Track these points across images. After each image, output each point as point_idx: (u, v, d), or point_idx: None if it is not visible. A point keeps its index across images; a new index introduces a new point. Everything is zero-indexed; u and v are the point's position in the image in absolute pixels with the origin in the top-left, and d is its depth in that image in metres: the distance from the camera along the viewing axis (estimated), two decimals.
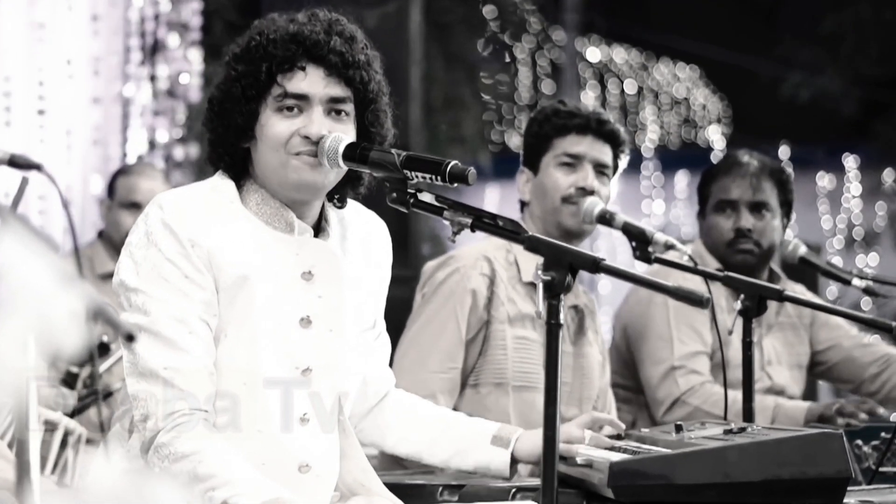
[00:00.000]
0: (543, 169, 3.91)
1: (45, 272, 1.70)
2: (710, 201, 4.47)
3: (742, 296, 3.36)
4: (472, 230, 2.63)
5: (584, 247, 3.73)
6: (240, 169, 2.81)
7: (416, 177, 2.63)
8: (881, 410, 4.24)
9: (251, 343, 2.71)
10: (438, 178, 2.58)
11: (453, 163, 2.58)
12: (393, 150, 2.67)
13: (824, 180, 12.34)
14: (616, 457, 2.82)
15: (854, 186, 12.33)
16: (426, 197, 2.67)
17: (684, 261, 3.69)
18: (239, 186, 2.80)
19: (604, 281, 11.18)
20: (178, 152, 6.78)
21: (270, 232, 2.77)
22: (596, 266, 2.48)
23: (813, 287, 5.45)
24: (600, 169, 3.89)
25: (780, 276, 4.52)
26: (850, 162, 12.35)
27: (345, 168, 2.73)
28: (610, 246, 11.38)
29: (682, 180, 12.76)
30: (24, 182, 2.74)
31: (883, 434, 3.88)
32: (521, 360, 3.78)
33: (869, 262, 11.97)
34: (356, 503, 2.80)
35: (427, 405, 3.15)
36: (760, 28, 12.89)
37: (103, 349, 4.04)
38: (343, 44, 2.75)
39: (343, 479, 2.83)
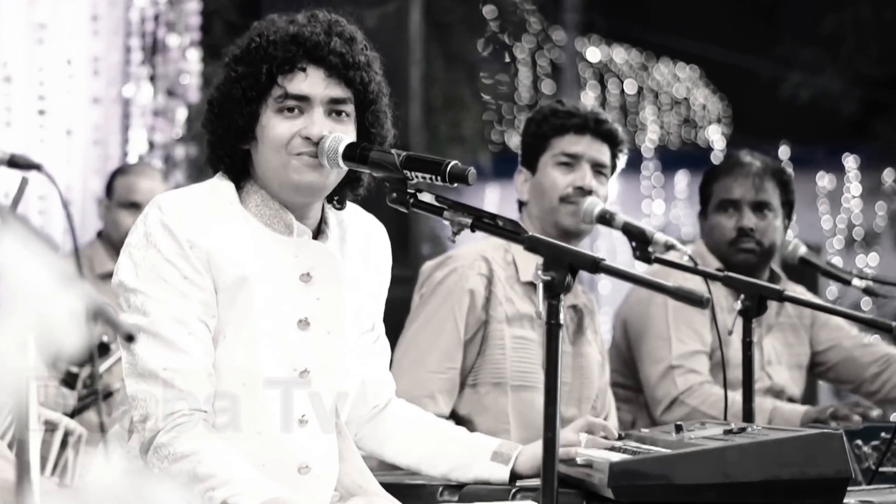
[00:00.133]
0: (541, 169, 3.92)
1: (45, 272, 1.70)
2: (712, 201, 4.48)
3: (742, 296, 3.36)
4: (472, 230, 2.63)
5: (584, 247, 3.73)
6: (240, 170, 2.81)
7: (416, 177, 2.63)
8: (874, 413, 4.24)
9: (250, 344, 2.71)
10: (438, 178, 2.58)
11: (453, 163, 2.58)
12: (393, 151, 2.67)
13: (824, 180, 12.34)
14: (616, 457, 2.82)
15: (854, 186, 12.33)
16: (426, 197, 2.67)
17: (684, 261, 3.69)
18: (239, 188, 2.80)
19: (604, 281, 11.18)
20: (178, 152, 6.78)
21: (269, 233, 2.77)
22: (596, 266, 2.48)
23: (813, 287, 5.45)
24: (598, 168, 3.89)
25: (780, 277, 4.52)
26: (850, 162, 12.35)
27: (345, 169, 2.73)
28: (610, 246, 11.38)
29: (682, 180, 12.76)
30: (24, 182, 2.74)
31: (883, 434, 3.88)
32: (519, 359, 3.78)
33: (869, 262, 11.97)
34: None
35: (427, 417, 3.15)
36: (760, 28, 12.89)
37: (103, 349, 4.04)
38: (343, 45, 2.76)
39: (341, 482, 2.83)
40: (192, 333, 2.66)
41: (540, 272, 2.48)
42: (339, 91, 2.76)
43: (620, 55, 13.39)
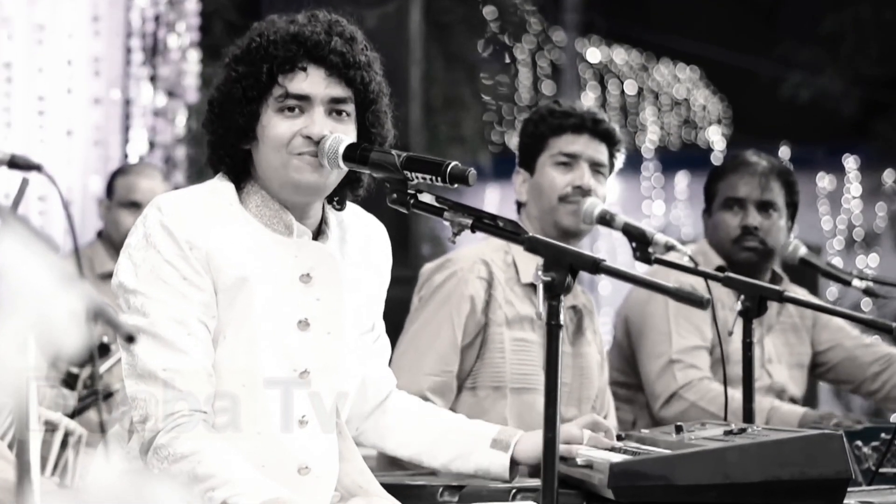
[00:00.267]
0: (539, 169, 3.92)
1: (45, 272, 1.70)
2: (717, 199, 4.49)
3: (742, 296, 3.36)
4: (473, 231, 2.63)
5: (584, 248, 3.73)
6: (240, 171, 2.81)
7: (417, 177, 2.63)
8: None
9: (250, 344, 2.72)
10: (438, 178, 2.58)
11: (453, 164, 2.58)
12: (393, 151, 2.67)
13: (824, 181, 12.33)
14: (616, 457, 2.82)
15: (854, 187, 12.32)
16: (426, 198, 2.67)
17: (684, 261, 3.69)
18: (239, 188, 2.80)
19: (604, 282, 11.17)
20: (179, 153, 6.78)
21: (269, 234, 2.77)
22: (596, 267, 2.48)
23: (813, 288, 5.45)
24: (596, 168, 3.90)
25: (782, 278, 4.53)
26: (851, 162, 12.35)
27: (345, 169, 2.73)
28: (610, 247, 11.38)
29: (683, 181, 12.75)
30: (25, 183, 2.74)
31: (883, 435, 3.88)
32: (519, 361, 3.78)
33: (869, 262, 11.96)
34: None
35: (427, 408, 3.16)
36: (760, 28, 12.89)
37: (103, 350, 4.03)
38: (344, 44, 2.76)
39: (341, 482, 2.83)
40: (192, 334, 2.67)
41: (540, 273, 2.48)
42: (339, 90, 2.76)
43: (621, 56, 13.39)
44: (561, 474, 2.60)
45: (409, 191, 2.66)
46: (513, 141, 11.06)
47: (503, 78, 10.76)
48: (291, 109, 2.74)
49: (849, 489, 2.81)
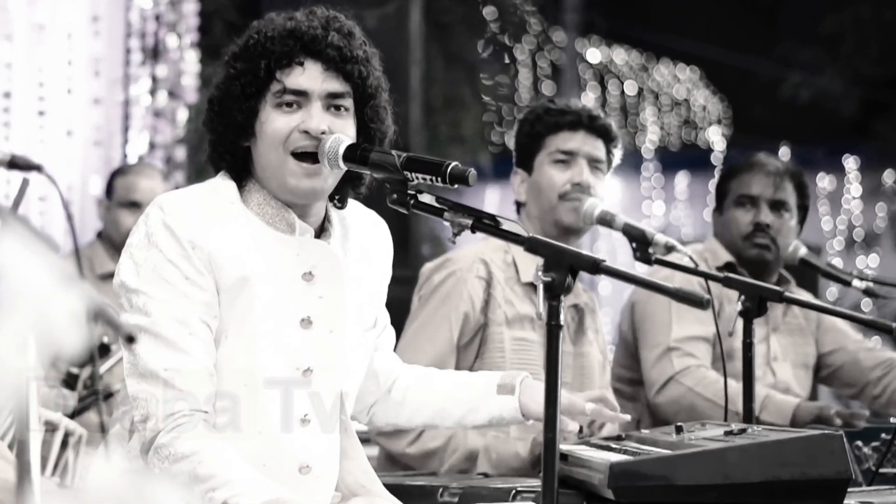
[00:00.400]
0: (538, 168, 3.93)
1: (45, 273, 1.70)
2: (729, 196, 4.50)
3: (742, 296, 3.36)
4: (473, 231, 2.63)
5: (584, 248, 3.73)
6: (241, 169, 2.81)
7: (417, 178, 2.63)
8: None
9: (252, 344, 2.72)
10: (439, 179, 2.58)
11: (453, 164, 2.58)
12: (393, 152, 2.67)
13: (824, 181, 12.34)
14: (616, 458, 2.82)
15: (854, 187, 12.33)
16: (426, 198, 2.67)
17: (685, 262, 3.69)
18: (241, 187, 2.80)
19: (604, 282, 11.18)
20: (179, 153, 6.79)
21: (271, 233, 2.77)
22: (596, 267, 2.48)
23: (813, 288, 5.45)
24: (594, 164, 3.91)
25: (789, 281, 4.54)
26: (851, 163, 12.35)
27: (344, 168, 2.73)
28: (610, 247, 11.39)
29: (683, 181, 12.76)
30: (25, 183, 2.74)
31: (883, 435, 3.88)
32: (519, 361, 3.77)
33: (869, 263, 11.97)
34: None
35: (431, 372, 3.17)
36: (760, 28, 12.90)
37: (104, 350, 4.03)
38: (341, 39, 2.76)
39: (344, 480, 2.83)
40: (194, 334, 2.67)
41: (540, 273, 2.47)
42: (337, 85, 2.76)
43: (621, 56, 13.40)
44: (561, 474, 2.60)
45: (410, 191, 2.66)
46: (513, 141, 11.04)
47: (503, 78, 10.77)
48: (289, 105, 2.74)
49: (849, 489, 2.81)
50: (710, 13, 12.88)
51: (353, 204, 2.93)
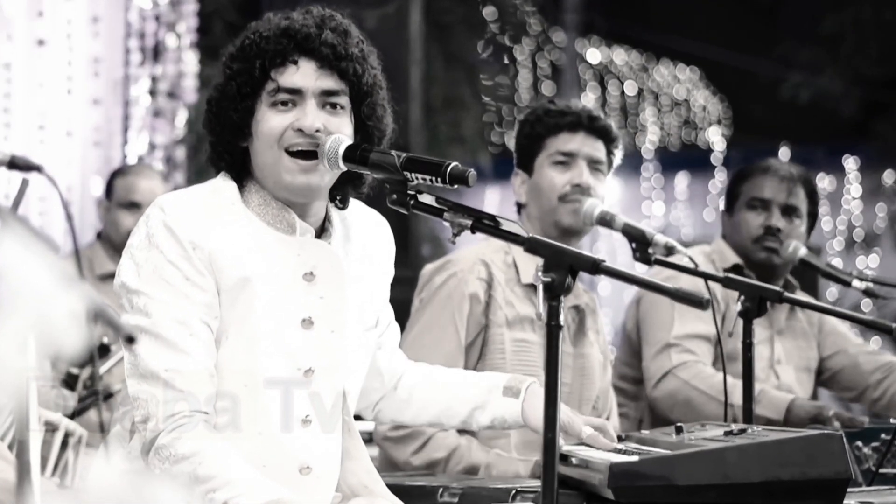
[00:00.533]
0: (538, 169, 3.92)
1: (45, 273, 1.70)
2: (740, 198, 4.51)
3: (742, 297, 3.36)
4: (473, 232, 2.63)
5: (584, 248, 3.73)
6: (240, 169, 2.81)
7: (417, 178, 2.63)
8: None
9: (252, 344, 2.72)
10: (438, 179, 2.59)
11: (453, 164, 2.58)
12: (393, 152, 2.67)
13: (824, 181, 12.32)
14: (616, 458, 2.81)
15: (854, 188, 12.32)
16: (426, 198, 2.67)
17: (685, 262, 3.69)
18: (241, 187, 2.81)
19: (604, 282, 11.17)
20: (179, 153, 6.79)
21: (272, 233, 2.77)
22: (596, 268, 2.48)
23: (813, 289, 5.45)
24: (594, 165, 3.91)
25: (795, 286, 4.54)
26: (851, 163, 12.34)
27: (343, 168, 2.73)
28: (610, 247, 11.38)
29: (683, 182, 12.75)
30: (25, 183, 2.74)
31: (883, 436, 3.88)
32: (519, 362, 3.77)
33: (869, 263, 11.96)
34: None
35: (438, 370, 3.17)
36: (760, 28, 12.89)
37: (104, 350, 4.04)
38: (335, 37, 2.76)
39: (346, 480, 2.83)
40: (194, 335, 2.67)
41: (540, 274, 2.48)
42: (331, 83, 2.76)
43: (620, 56, 13.39)
44: (561, 475, 2.60)
45: (409, 191, 2.66)
46: (513, 142, 11.04)
47: (503, 78, 10.77)
48: (284, 104, 2.75)
49: (849, 489, 2.81)
50: (710, 13, 12.87)
51: (354, 203, 2.93)
